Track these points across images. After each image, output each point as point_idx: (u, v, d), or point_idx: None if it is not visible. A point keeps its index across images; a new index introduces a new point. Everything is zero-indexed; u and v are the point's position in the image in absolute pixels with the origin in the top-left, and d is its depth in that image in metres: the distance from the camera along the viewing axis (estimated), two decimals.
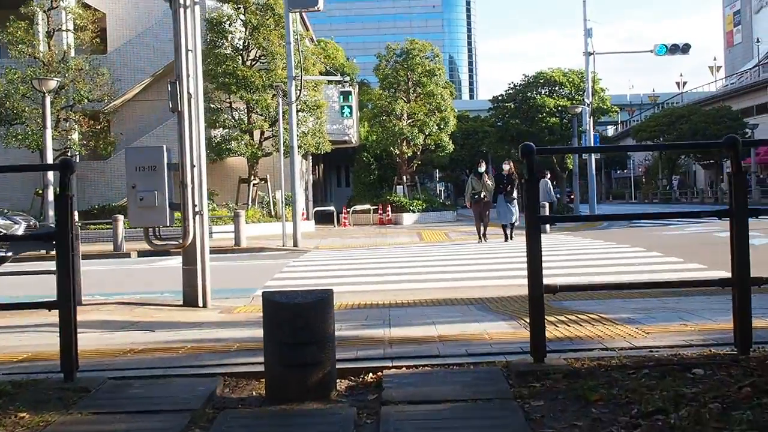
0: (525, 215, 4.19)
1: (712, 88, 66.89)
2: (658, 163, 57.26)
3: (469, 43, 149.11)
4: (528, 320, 5.79)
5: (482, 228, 17.17)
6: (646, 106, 72.64)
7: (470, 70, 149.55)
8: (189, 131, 8.62)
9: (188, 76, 8.63)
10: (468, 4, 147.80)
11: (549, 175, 26.40)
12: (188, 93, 8.57)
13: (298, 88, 19.22)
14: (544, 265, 4.10)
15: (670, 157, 51.97)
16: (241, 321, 7.22)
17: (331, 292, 4.05)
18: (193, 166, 8.63)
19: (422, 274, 11.18)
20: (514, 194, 16.84)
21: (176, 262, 14.15)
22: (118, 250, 18.36)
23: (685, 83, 65.44)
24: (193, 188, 8.61)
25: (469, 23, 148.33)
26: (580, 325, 5.54)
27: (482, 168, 16.89)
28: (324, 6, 18.73)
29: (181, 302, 8.81)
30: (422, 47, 29.81)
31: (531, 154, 4.27)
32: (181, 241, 8.64)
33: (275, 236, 20.52)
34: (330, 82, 27.31)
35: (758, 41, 60.75)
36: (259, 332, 4.16)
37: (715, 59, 68.09)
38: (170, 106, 8.60)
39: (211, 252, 18.98)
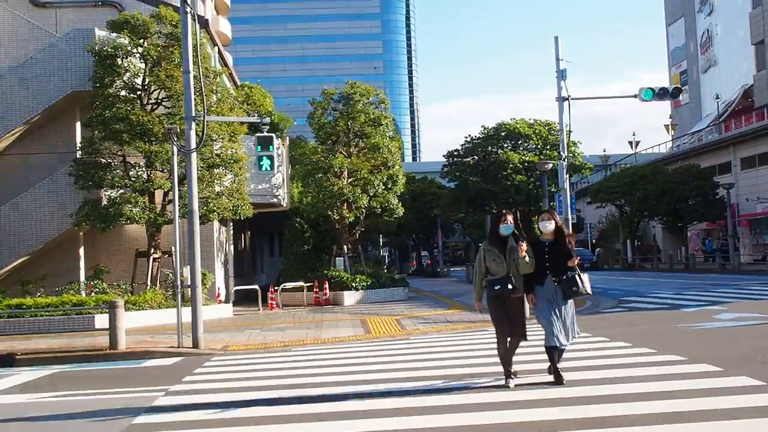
0: None
1: (661, 149, 64.50)
2: (617, 226, 53.62)
3: (411, 106, 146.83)
4: None
5: (511, 351, 8.38)
6: (597, 167, 69.65)
7: (413, 133, 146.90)
8: None
9: None
10: (410, 67, 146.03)
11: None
12: None
13: (200, 131, 14.19)
14: None
15: (631, 219, 48.34)
16: None
17: None
18: None
19: None
20: (585, 280, 8.22)
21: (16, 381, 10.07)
22: None
23: (638, 143, 62.71)
24: None
25: (411, 85, 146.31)
26: None
27: (508, 226, 8.34)
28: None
29: None
30: (365, 91, 25.01)
31: None
32: None
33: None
34: (249, 129, 22.22)
35: (717, 97, 58.43)
36: None
37: (671, 117, 65.65)
38: None
39: (72, 358, 13.53)
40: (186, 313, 14.03)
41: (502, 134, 31.10)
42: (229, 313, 21.17)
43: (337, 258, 25.66)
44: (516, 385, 8.09)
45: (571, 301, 8.28)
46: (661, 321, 14.82)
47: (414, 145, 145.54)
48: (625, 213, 48.42)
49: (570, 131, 28.06)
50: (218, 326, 17.76)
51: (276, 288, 23.31)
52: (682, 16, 79.29)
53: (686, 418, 6.33)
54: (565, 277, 8.16)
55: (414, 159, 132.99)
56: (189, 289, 14.26)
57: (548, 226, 8.42)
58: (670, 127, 64.78)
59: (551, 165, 24.46)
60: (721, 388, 7.46)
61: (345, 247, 25.94)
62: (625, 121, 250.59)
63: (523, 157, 29.56)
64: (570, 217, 22.84)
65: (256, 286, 24.40)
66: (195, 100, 14.46)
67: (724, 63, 70.17)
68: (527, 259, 8.09)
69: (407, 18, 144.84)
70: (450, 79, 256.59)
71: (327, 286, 23.85)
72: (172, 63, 19.22)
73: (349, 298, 23.78)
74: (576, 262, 8.12)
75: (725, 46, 70.11)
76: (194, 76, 14.32)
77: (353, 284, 24.10)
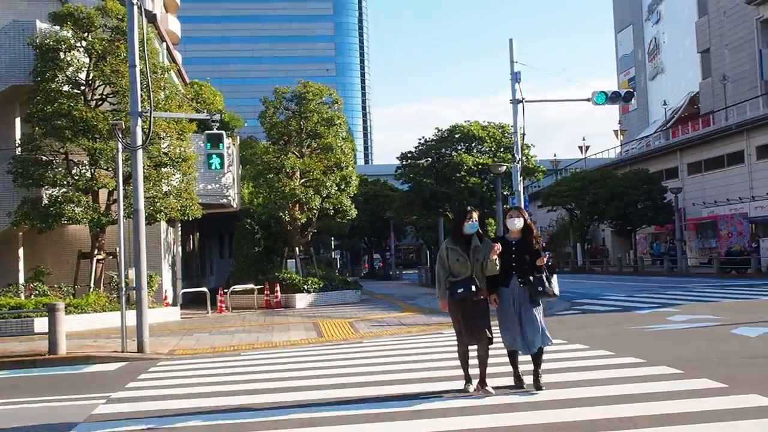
0: None
1: (610, 154, 65.23)
2: (567, 229, 53.99)
3: (364, 108, 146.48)
4: None
5: (483, 360, 7.72)
6: (548, 171, 70.21)
7: (365, 135, 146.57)
8: None
9: None
10: (363, 69, 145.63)
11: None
12: None
13: (147, 128, 13.63)
14: None
15: (581, 223, 48.71)
16: None
17: None
18: None
19: None
20: (554, 282, 7.82)
21: None
22: None
23: (587, 148, 63.30)
24: None
25: (363, 88, 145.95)
26: None
27: (473, 224, 7.74)
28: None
29: None
30: (318, 91, 24.55)
31: None
32: None
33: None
34: (198, 128, 21.60)
35: (665, 103, 59.38)
36: None
37: (620, 123, 66.53)
38: None
39: (8, 364, 12.57)
40: (131, 316, 13.47)
41: (456, 136, 30.88)
42: (176, 316, 20.52)
43: (288, 260, 25.11)
44: (475, 389, 7.77)
45: (539, 304, 7.81)
46: (616, 323, 14.76)
47: (366, 148, 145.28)
48: (575, 216, 48.74)
49: (524, 134, 28.09)
50: (165, 330, 17.17)
51: (225, 290, 22.72)
52: (631, 24, 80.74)
53: (672, 421, 6.18)
54: (532, 277, 7.69)
55: (366, 161, 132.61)
56: (134, 292, 13.70)
57: (516, 224, 7.85)
58: (619, 132, 65.59)
59: (505, 167, 24.35)
60: (689, 391, 7.34)
61: (297, 249, 25.43)
62: (574, 127, 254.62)
63: (477, 160, 29.41)
64: None
65: (205, 289, 23.75)
66: (141, 95, 13.94)
67: (671, 70, 71.61)
68: (497, 261, 7.56)
69: (360, 21, 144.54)
70: (403, 82, 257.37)
71: (278, 288, 23.33)
72: (118, 58, 18.54)
73: (301, 300, 23.31)
74: (544, 261, 7.77)
75: (672, 54, 71.54)
76: (141, 71, 13.78)
77: (305, 287, 23.62)
